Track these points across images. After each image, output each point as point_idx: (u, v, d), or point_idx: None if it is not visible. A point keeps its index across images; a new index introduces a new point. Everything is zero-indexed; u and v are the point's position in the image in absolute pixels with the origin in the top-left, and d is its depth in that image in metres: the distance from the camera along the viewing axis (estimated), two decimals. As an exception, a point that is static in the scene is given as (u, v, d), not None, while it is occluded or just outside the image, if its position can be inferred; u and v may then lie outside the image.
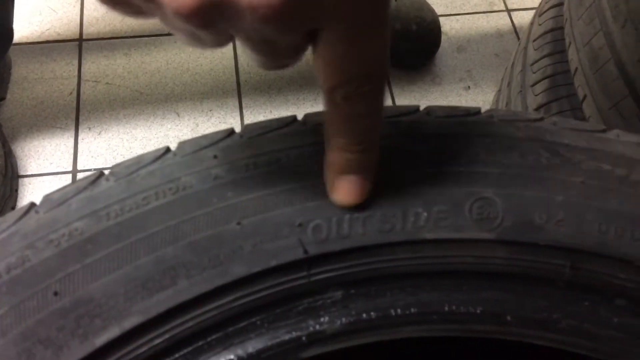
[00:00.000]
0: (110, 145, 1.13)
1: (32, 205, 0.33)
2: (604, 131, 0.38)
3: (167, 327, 0.30)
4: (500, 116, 0.37)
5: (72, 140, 1.14)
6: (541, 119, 0.38)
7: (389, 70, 0.30)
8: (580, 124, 0.38)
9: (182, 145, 0.35)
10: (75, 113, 1.17)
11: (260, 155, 0.34)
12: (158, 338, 0.30)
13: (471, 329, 0.34)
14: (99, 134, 1.15)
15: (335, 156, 0.32)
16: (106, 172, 0.34)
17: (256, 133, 0.35)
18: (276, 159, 0.34)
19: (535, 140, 0.36)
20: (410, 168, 0.34)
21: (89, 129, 1.16)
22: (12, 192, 1.03)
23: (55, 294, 0.29)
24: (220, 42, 0.28)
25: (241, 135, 0.35)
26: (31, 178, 1.09)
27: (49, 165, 1.10)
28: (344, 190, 0.32)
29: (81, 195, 0.32)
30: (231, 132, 0.35)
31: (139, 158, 0.35)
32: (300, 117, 0.37)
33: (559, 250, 0.33)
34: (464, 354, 0.45)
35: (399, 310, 0.33)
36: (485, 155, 0.35)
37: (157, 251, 0.31)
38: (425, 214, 0.33)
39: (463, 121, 0.36)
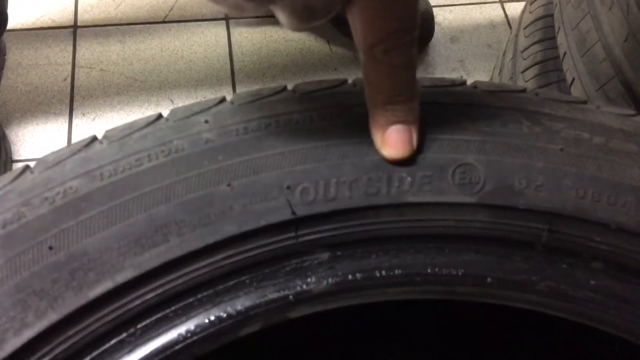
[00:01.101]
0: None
1: (27, 167, 0.34)
2: (584, 102, 0.39)
3: (159, 282, 0.31)
4: (484, 87, 0.38)
5: (66, 126, 1.14)
6: (524, 91, 0.39)
7: (419, 21, 0.32)
8: (562, 96, 0.39)
9: (174, 111, 0.36)
10: (70, 99, 1.17)
11: (250, 121, 0.35)
12: (150, 293, 0.31)
13: (453, 291, 0.35)
14: (93, 119, 1.16)
15: (380, 112, 0.34)
16: (99, 136, 0.35)
17: (246, 100, 0.36)
18: (266, 125, 0.35)
19: (517, 109, 0.37)
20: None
21: (83, 114, 1.16)
22: (6, 176, 1.03)
23: (50, 248, 0.30)
24: (260, 10, 0.30)
25: (232, 102, 0.36)
26: (25, 162, 1.10)
27: (43, 150, 1.11)
28: (394, 142, 0.33)
29: (75, 156, 0.33)
30: (222, 99, 0.36)
31: (132, 123, 0.35)
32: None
33: (538, 214, 0.34)
34: (450, 327, 0.46)
35: (383, 272, 0.34)
36: (468, 123, 0.36)
37: (150, 210, 0.32)
38: (409, 178, 0.34)
39: (448, 91, 0.37)
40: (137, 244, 0.31)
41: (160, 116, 0.36)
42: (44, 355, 0.29)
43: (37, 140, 1.12)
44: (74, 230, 0.30)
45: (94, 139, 0.35)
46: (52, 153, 0.35)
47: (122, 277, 0.30)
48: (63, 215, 0.31)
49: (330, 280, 0.34)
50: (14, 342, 0.28)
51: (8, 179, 0.33)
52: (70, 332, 0.29)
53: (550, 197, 0.34)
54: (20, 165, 1.09)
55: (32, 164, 0.35)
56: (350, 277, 0.34)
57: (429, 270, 0.35)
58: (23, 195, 0.32)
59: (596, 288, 0.35)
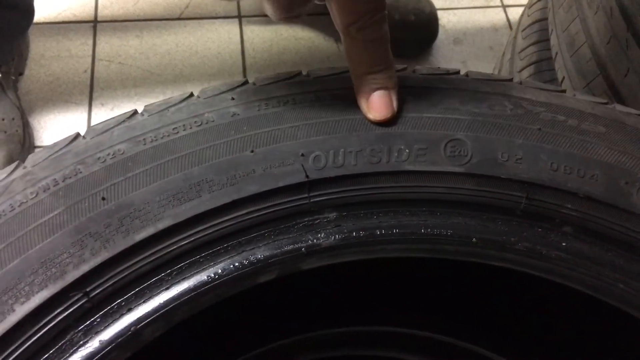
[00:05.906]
0: (122, 121, 1.20)
1: (78, 134, 0.40)
2: (563, 91, 0.44)
3: (192, 231, 0.37)
4: (475, 75, 0.44)
5: (85, 115, 1.20)
6: (510, 80, 0.44)
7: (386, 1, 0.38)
8: (543, 85, 0.44)
9: (204, 90, 0.42)
10: (89, 90, 1.23)
11: (270, 99, 0.41)
12: (185, 240, 0.37)
13: (443, 250, 0.41)
14: (111, 110, 1.21)
15: (362, 81, 0.39)
16: (140, 109, 0.41)
17: (267, 82, 0.42)
18: (284, 102, 0.40)
19: (502, 95, 0.42)
20: (396, 113, 0.41)
21: (102, 105, 1.22)
22: (29, 161, 1.09)
23: (103, 198, 0.36)
24: None
25: (254, 83, 0.42)
26: (47, 149, 1.15)
27: (63, 137, 1.17)
28: (377, 106, 0.39)
29: (121, 125, 0.39)
30: (245, 81, 0.42)
31: (167, 100, 0.41)
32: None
33: (517, 183, 0.40)
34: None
35: (383, 231, 0.40)
36: (460, 105, 0.41)
37: (185, 170, 0.37)
38: (407, 150, 0.40)
39: (443, 78, 0.43)
40: (174, 197, 0.36)
41: (192, 94, 0.42)
42: (97, 287, 0.35)
43: (58, 128, 1.18)
44: (122, 184, 0.36)
45: (135, 112, 0.41)
46: (100, 123, 0.40)
47: (162, 225, 0.36)
48: (113, 172, 0.36)
49: (337, 236, 0.39)
50: (73, 274, 0.34)
51: (64, 143, 0.39)
52: (119, 269, 0.35)
53: (528, 169, 0.40)
54: (42, 151, 1.15)
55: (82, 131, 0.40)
56: (354, 234, 0.40)
57: (422, 231, 0.40)
58: (78, 155, 0.37)
59: (566, 249, 0.40)
